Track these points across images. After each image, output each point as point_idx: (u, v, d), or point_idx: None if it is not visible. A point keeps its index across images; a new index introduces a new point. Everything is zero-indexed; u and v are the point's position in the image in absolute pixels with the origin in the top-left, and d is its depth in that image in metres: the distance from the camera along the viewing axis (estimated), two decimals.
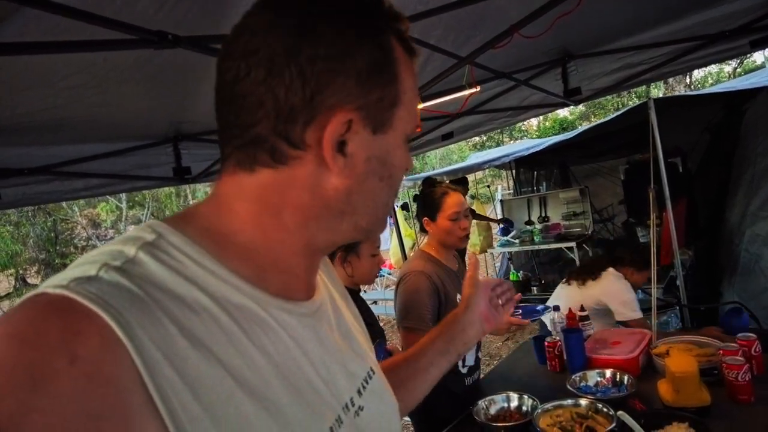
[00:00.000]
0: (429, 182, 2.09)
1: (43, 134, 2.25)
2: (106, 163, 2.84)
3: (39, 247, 14.63)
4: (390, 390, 0.65)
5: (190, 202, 17.99)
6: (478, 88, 2.12)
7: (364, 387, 0.57)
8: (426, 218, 1.96)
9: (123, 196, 13.61)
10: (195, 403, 0.38)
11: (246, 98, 0.46)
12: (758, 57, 13.92)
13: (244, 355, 0.43)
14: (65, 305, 0.35)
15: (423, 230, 2.03)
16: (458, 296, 1.89)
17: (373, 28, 0.48)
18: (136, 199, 15.65)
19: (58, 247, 15.06)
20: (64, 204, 13.25)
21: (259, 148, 0.47)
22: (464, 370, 1.90)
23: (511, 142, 16.13)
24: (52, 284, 0.37)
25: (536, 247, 5.96)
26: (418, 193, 2.14)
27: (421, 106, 2.01)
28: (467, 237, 1.99)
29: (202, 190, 16.83)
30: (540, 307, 2.12)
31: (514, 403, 1.68)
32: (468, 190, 5.85)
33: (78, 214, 15.52)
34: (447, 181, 4.01)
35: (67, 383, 0.32)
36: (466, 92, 2.12)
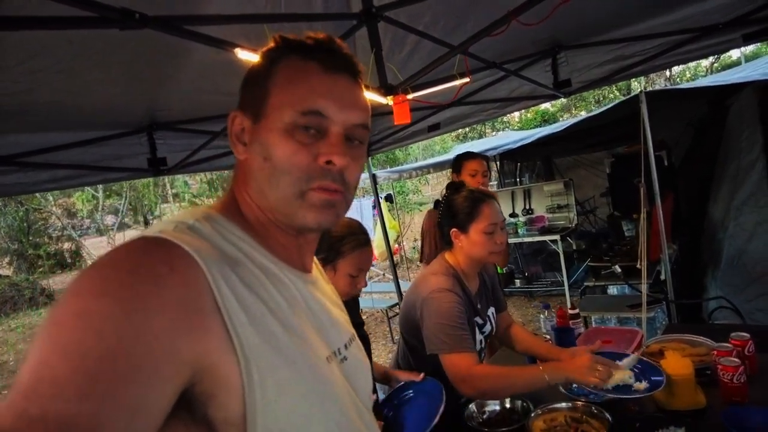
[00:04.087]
0: (455, 186, 1.80)
1: (1, 121, 2.09)
2: (76, 154, 2.67)
3: (11, 237, 14.16)
4: (365, 355, 0.83)
5: (168, 192, 17.61)
6: (470, 78, 2.03)
7: (347, 346, 0.75)
8: (454, 229, 1.68)
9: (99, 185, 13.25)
10: (242, 313, 0.56)
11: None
12: (735, 53, 14.07)
13: (270, 294, 0.61)
14: (162, 240, 0.53)
15: (448, 242, 1.74)
16: (477, 318, 1.74)
17: (265, 60, 0.68)
18: (114, 188, 15.24)
19: (31, 238, 14.60)
20: (37, 193, 12.81)
21: (233, 148, 0.69)
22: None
23: (494, 133, 16.11)
24: (147, 233, 0.55)
25: (520, 240, 5.95)
26: (440, 198, 1.82)
27: (409, 96, 1.91)
28: (501, 253, 1.71)
29: (181, 179, 16.44)
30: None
31: (506, 407, 1.64)
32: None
33: (52, 203, 15.03)
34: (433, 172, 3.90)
35: (168, 281, 0.50)
36: (458, 82, 2.03)
